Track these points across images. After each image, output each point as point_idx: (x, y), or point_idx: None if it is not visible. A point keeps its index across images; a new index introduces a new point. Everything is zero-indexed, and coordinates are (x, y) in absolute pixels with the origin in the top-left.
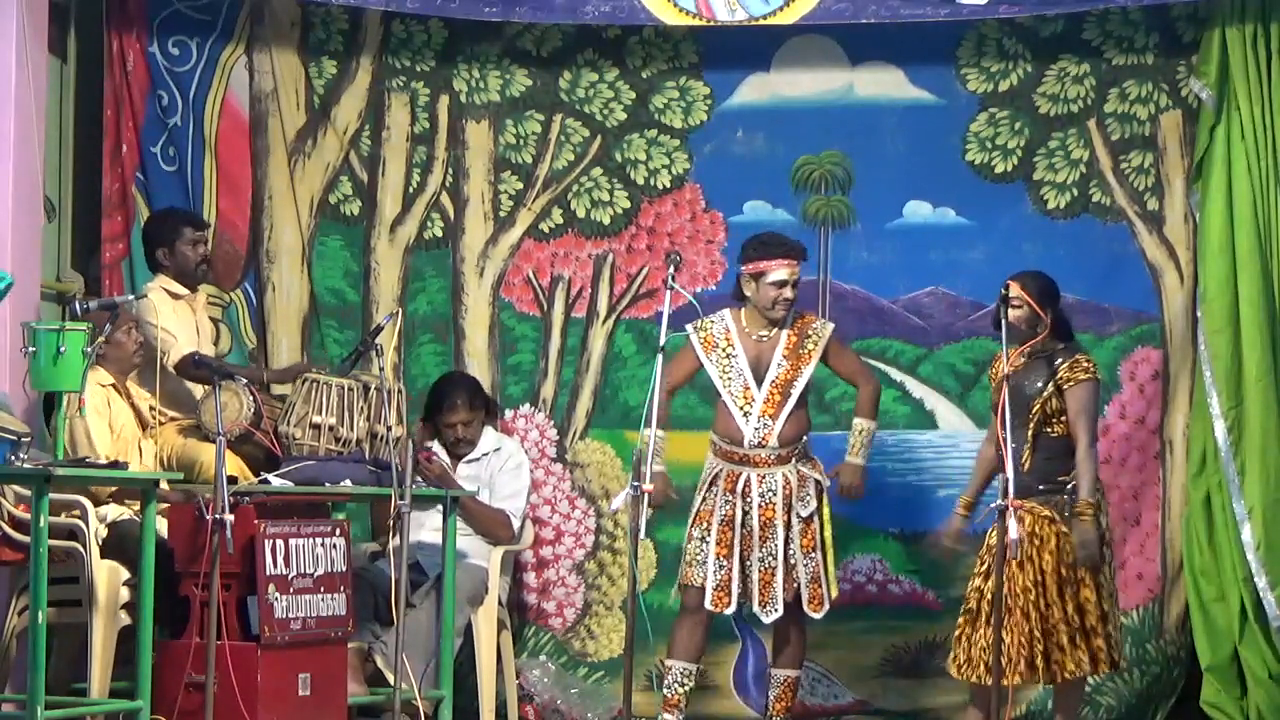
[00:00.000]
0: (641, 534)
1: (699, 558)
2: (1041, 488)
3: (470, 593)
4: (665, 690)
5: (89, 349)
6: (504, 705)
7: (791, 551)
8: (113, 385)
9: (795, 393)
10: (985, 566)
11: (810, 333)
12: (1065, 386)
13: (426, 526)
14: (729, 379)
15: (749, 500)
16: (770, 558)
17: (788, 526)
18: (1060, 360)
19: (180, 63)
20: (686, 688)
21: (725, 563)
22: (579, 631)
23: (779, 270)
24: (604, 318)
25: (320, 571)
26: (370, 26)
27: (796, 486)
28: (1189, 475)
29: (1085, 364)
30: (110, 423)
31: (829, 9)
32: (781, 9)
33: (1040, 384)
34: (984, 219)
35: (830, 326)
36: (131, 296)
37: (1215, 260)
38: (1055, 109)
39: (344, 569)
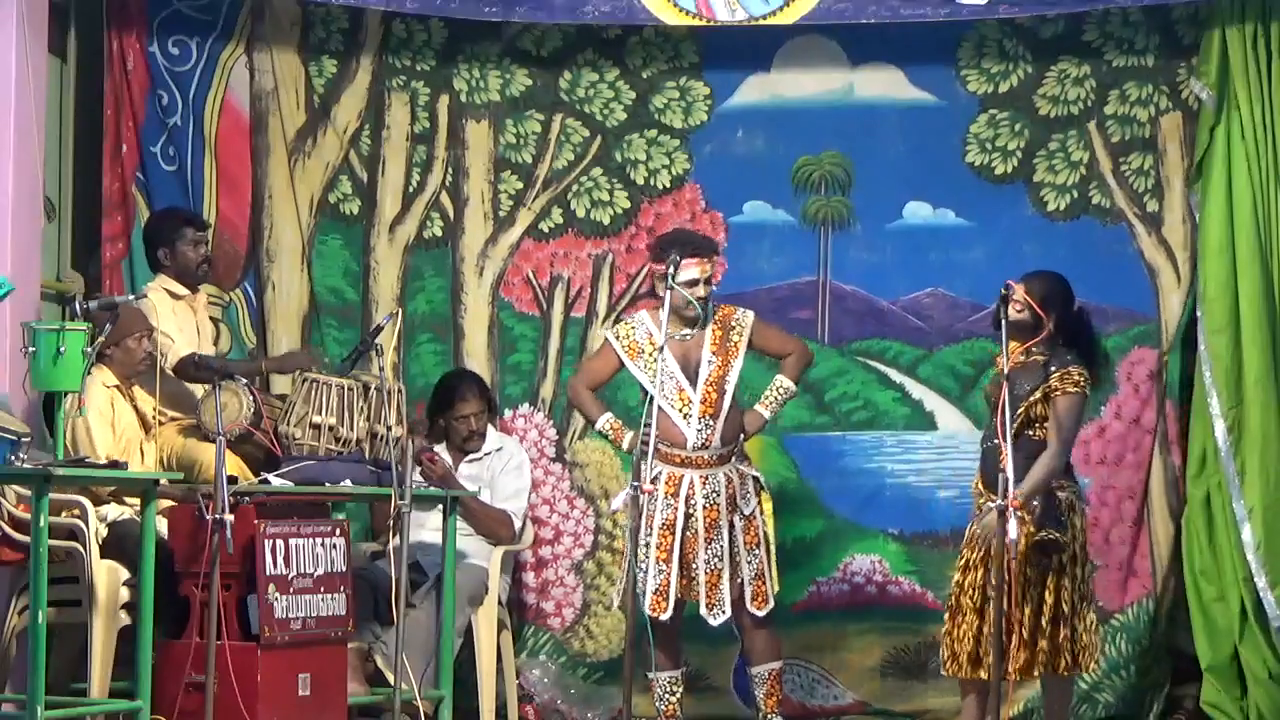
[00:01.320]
0: (641, 534)
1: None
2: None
3: (470, 593)
4: (657, 704)
5: (89, 349)
6: (504, 705)
7: (735, 550)
8: (117, 387)
9: (730, 388)
10: (964, 561)
11: (734, 324)
12: (1053, 395)
13: (427, 526)
14: (660, 382)
15: (692, 503)
16: (716, 559)
17: (731, 526)
18: (1054, 368)
19: (180, 62)
20: (676, 695)
21: (665, 567)
22: (578, 631)
23: (688, 269)
24: (604, 318)
25: (320, 571)
26: (370, 26)
27: (739, 485)
28: (1189, 475)
29: (1076, 376)
30: (113, 424)
31: (829, 9)
32: (781, 9)
33: (1029, 387)
34: (984, 220)
35: (751, 314)
36: (132, 296)
37: (1215, 260)
38: (1055, 110)
39: (344, 569)
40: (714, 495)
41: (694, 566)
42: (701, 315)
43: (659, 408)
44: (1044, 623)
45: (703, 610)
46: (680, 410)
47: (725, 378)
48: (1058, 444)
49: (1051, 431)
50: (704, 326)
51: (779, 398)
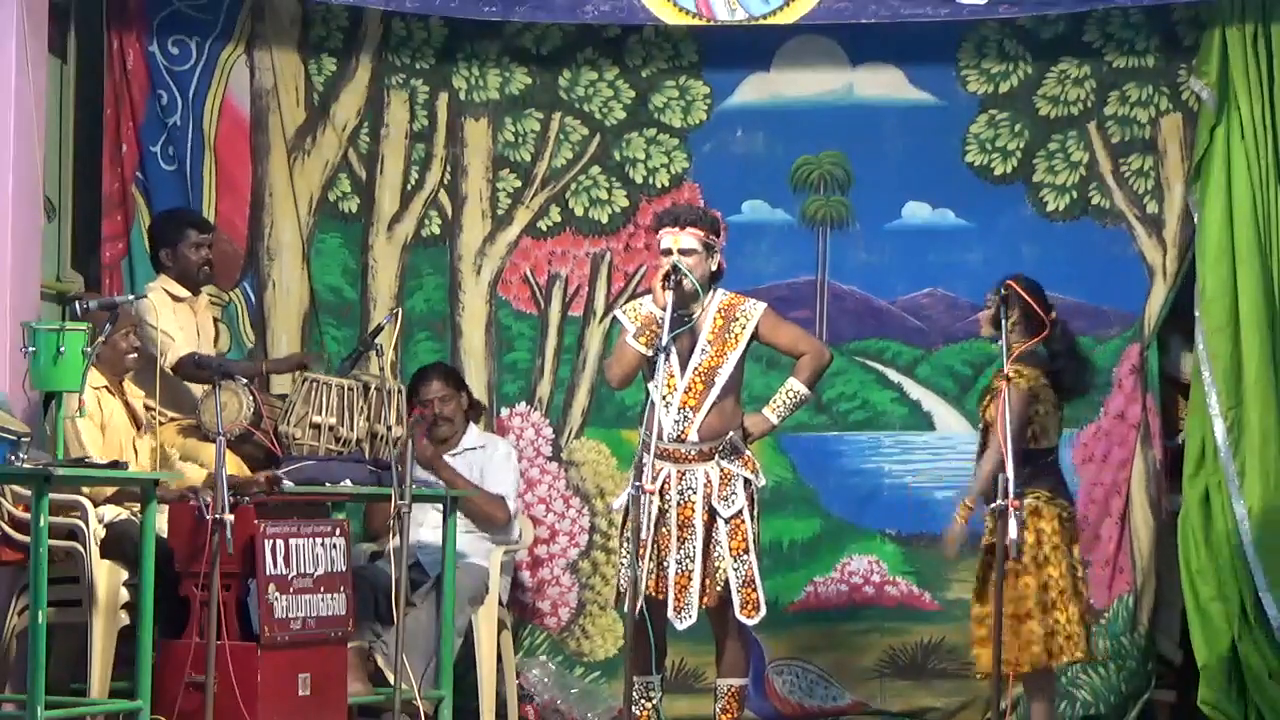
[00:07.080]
0: (643, 534)
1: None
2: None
3: (471, 592)
4: (634, 709)
5: (89, 349)
6: (504, 705)
7: (719, 554)
8: (105, 386)
9: (720, 381)
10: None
11: (739, 315)
12: (995, 386)
13: (426, 525)
14: (654, 367)
15: (667, 499)
16: (688, 560)
17: (708, 527)
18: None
19: (180, 62)
20: (653, 700)
21: (640, 563)
22: (574, 631)
23: (664, 238)
24: (601, 316)
25: (320, 571)
26: (370, 24)
27: (719, 485)
28: (1185, 474)
29: (1027, 373)
30: (102, 425)
31: (829, 9)
32: (781, 9)
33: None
34: (983, 221)
35: (762, 306)
36: (132, 296)
37: (1215, 259)
38: (1055, 111)
39: (344, 569)
40: (689, 492)
41: (664, 565)
42: (695, 289)
43: (649, 397)
44: (1030, 610)
45: (670, 613)
46: (663, 397)
47: (716, 369)
48: (997, 438)
49: (995, 429)
50: (687, 306)
51: (789, 402)
